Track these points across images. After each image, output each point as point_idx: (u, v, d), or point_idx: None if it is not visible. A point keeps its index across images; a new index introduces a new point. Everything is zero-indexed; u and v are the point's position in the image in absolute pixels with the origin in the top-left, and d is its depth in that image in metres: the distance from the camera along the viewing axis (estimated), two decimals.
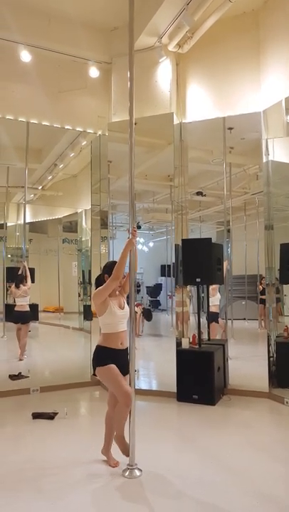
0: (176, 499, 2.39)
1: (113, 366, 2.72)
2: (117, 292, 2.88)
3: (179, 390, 4.31)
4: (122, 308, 2.82)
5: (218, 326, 5.35)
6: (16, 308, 5.28)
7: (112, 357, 2.75)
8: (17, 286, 5.26)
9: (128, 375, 2.80)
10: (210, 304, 5.30)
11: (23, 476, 2.69)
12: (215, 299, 5.39)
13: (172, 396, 4.34)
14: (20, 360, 5.32)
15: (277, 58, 4.53)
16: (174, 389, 4.34)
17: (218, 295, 5.41)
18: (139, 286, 7.25)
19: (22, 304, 5.28)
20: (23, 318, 5.31)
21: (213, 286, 5.23)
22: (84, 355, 5.05)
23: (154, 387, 4.88)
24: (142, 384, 4.88)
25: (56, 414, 3.83)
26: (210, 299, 5.29)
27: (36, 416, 3.79)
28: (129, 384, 2.76)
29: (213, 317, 5.34)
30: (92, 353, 2.86)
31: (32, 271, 5.48)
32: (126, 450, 2.76)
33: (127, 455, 2.74)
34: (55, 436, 3.40)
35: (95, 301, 2.76)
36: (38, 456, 3.00)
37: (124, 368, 2.79)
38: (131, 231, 2.77)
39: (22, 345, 5.34)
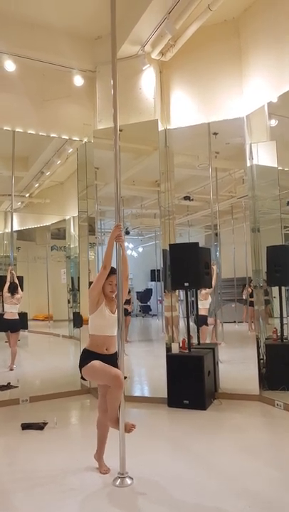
0: (168, 506, 2.37)
1: (96, 361, 2.72)
2: (114, 296, 2.88)
3: (170, 395, 4.30)
4: (113, 313, 2.82)
5: (207, 329, 5.36)
6: (5, 316, 5.22)
7: (95, 359, 2.74)
8: (12, 294, 5.21)
9: None
10: (200, 307, 5.31)
11: (13, 486, 2.65)
12: (206, 303, 5.41)
13: (163, 402, 4.32)
14: (11, 369, 5.25)
15: (259, 64, 4.61)
16: (165, 394, 4.33)
17: (210, 299, 5.44)
18: (129, 291, 7.24)
19: (12, 311, 5.23)
20: (12, 326, 5.25)
21: (207, 290, 5.25)
22: (74, 363, 4.98)
23: (145, 394, 4.86)
24: (133, 390, 4.85)
25: (46, 424, 3.79)
26: (202, 302, 5.29)
27: (25, 427, 3.74)
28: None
29: (203, 320, 5.35)
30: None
31: (20, 279, 5.44)
32: (125, 427, 2.72)
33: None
34: (45, 446, 3.36)
35: (90, 294, 2.81)
36: (28, 467, 2.96)
37: None
38: (116, 224, 2.77)
39: (12, 354, 5.28)
